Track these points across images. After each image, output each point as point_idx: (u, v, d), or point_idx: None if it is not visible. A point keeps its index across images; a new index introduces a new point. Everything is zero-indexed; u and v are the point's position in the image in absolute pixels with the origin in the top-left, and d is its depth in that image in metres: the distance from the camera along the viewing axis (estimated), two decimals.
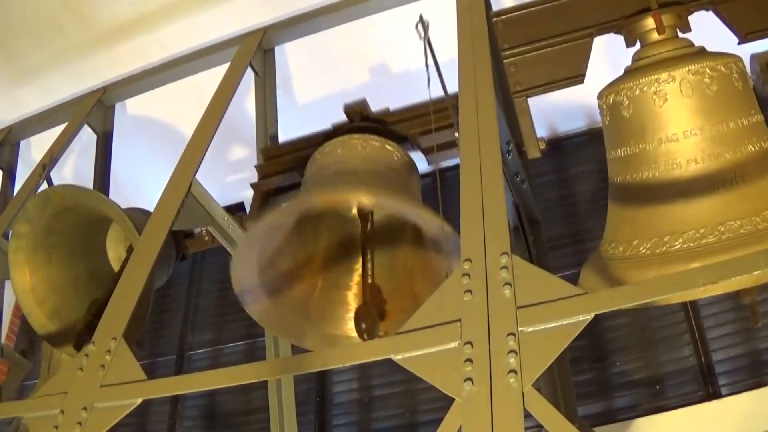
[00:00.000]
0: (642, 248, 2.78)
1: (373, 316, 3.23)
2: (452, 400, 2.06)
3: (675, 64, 2.83)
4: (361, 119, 3.64)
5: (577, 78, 3.22)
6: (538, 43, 3.30)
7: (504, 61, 3.35)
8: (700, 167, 2.71)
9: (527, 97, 3.31)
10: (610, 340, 5.44)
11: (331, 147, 3.50)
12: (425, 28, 2.81)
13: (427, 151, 3.52)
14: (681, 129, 2.76)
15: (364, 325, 3.18)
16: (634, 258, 2.81)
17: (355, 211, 3.50)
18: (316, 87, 5.40)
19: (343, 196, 3.37)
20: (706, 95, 2.77)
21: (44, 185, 4.43)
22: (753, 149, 2.73)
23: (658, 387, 5.24)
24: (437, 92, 2.92)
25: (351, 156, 3.43)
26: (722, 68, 2.81)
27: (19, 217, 3.75)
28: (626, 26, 3.11)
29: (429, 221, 3.10)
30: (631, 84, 2.89)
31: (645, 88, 2.84)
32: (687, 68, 2.79)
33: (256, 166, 3.93)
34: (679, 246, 2.68)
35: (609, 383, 5.34)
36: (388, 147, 3.48)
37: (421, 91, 2.84)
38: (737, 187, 2.68)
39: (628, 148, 2.89)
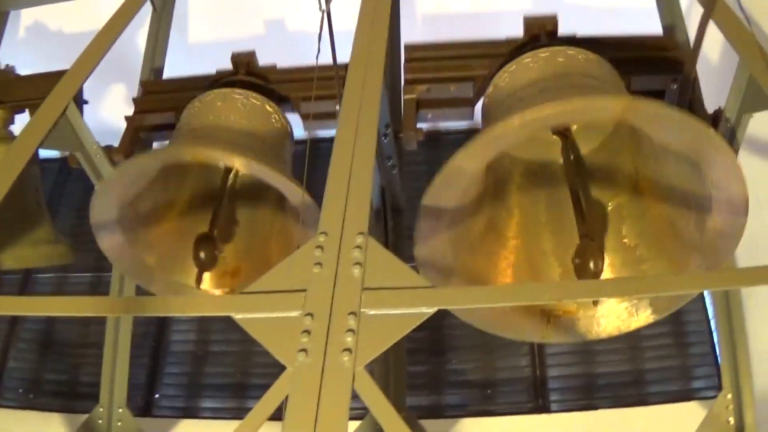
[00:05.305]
0: None
1: (213, 250, 3.25)
2: (285, 368, 2.06)
3: None
4: (246, 71, 3.62)
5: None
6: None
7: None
8: None
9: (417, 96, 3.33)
10: (449, 337, 5.52)
11: (211, 98, 3.47)
12: None
13: (305, 117, 3.52)
14: None
15: (202, 255, 3.20)
16: None
17: (222, 166, 3.48)
18: (209, 30, 5.30)
19: (213, 153, 3.35)
20: None
21: None
22: None
23: (489, 391, 5.35)
24: (328, 59, 2.91)
25: (230, 111, 3.41)
26: None
27: None
28: None
29: (292, 192, 3.11)
30: None
31: None
32: None
33: (133, 99, 3.85)
34: None
35: (442, 379, 5.43)
36: (267, 108, 3.48)
37: (313, 54, 2.82)
38: None
39: None
